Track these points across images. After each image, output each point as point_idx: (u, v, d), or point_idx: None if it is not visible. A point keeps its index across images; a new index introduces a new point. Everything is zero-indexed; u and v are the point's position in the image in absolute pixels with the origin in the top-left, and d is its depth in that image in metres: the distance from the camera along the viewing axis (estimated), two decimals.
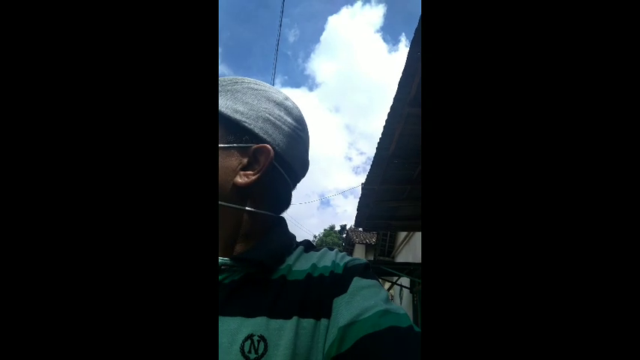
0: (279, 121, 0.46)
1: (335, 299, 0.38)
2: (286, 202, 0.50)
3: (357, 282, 0.40)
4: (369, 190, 3.80)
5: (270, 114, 0.45)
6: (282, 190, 0.48)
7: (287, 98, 0.49)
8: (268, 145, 0.43)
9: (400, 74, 2.31)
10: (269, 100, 0.46)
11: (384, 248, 9.87)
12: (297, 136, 0.48)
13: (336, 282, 0.40)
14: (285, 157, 0.46)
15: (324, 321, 0.37)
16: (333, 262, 0.43)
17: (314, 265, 0.43)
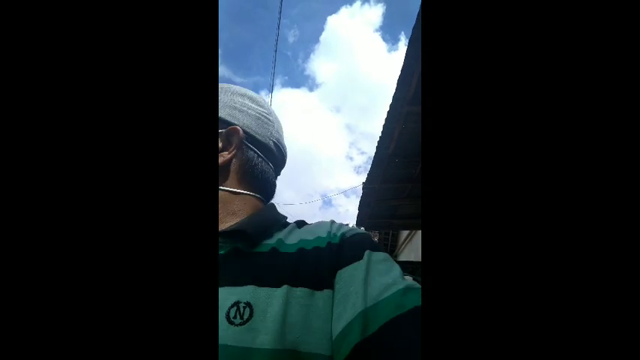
0: (244, 107, 0.51)
1: (339, 271, 0.37)
2: (268, 184, 0.52)
3: (370, 256, 0.38)
4: (369, 189, 3.79)
5: (234, 103, 0.50)
6: (261, 169, 0.50)
7: (249, 91, 0.54)
8: (237, 126, 0.48)
9: (399, 73, 2.30)
10: (233, 93, 0.52)
11: (387, 247, 9.87)
12: (264, 118, 0.52)
13: (336, 253, 0.39)
14: (257, 137, 0.50)
15: (326, 292, 0.35)
16: (329, 232, 0.43)
17: (306, 238, 0.42)
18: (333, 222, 0.46)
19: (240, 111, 0.50)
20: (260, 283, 0.36)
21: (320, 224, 0.46)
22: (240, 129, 0.48)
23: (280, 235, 0.44)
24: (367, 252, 0.38)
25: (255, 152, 0.50)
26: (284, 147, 0.56)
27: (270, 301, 0.34)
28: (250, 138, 0.49)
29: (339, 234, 0.42)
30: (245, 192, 0.48)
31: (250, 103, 0.52)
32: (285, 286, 0.35)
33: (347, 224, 0.46)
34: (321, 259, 0.38)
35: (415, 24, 1.95)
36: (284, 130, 0.59)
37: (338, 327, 0.33)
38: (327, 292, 0.35)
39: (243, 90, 0.53)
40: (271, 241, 0.42)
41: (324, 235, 0.42)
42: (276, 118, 0.55)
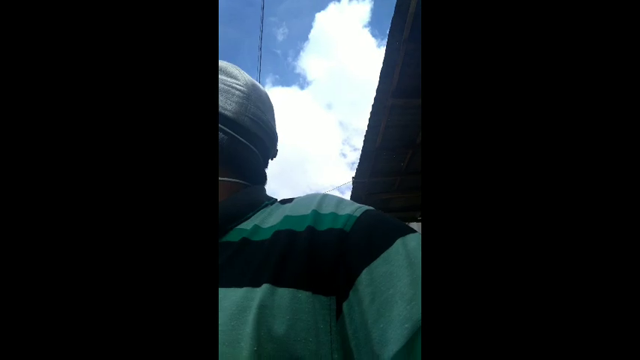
0: None
1: (365, 269, 0.28)
2: (249, 165, 0.44)
3: (405, 244, 0.29)
4: (359, 183, 3.80)
5: None
6: (235, 151, 0.42)
7: (219, 62, 0.46)
8: None
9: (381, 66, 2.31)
10: None
11: None
12: (234, 90, 0.43)
13: (341, 241, 0.30)
14: (226, 114, 0.42)
15: (322, 299, 0.28)
16: (316, 212, 0.34)
17: (287, 218, 0.35)
18: (326, 196, 0.37)
19: None
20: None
21: (308, 198, 0.37)
22: None
23: (259, 218, 0.37)
24: (400, 239, 0.29)
25: (224, 132, 0.41)
26: (267, 124, 0.47)
27: (223, 306, 0.29)
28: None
29: (342, 215, 0.33)
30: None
31: (218, 75, 0.43)
32: (245, 288, 0.29)
33: (344, 199, 0.37)
34: (305, 248, 0.30)
35: (394, 15, 1.96)
36: (274, 109, 0.50)
37: (386, 349, 0.24)
38: (324, 298, 0.28)
39: None
40: (246, 227, 0.36)
41: (308, 212, 0.34)
42: (254, 90, 0.46)
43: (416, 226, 6.03)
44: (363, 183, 3.77)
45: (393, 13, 1.95)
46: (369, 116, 2.80)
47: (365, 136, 3.03)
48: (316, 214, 0.34)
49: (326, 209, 0.34)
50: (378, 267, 0.28)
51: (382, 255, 0.28)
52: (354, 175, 3.68)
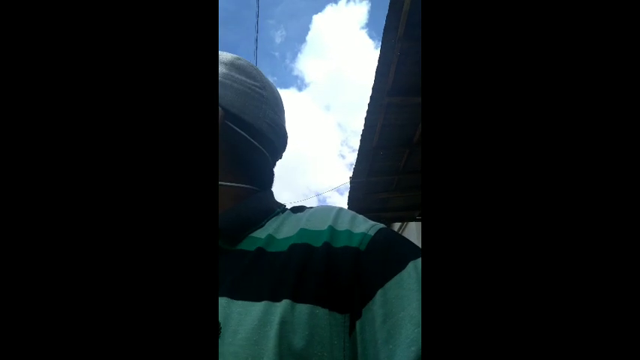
0: (228, 80, 0.41)
1: (380, 290, 0.29)
2: (260, 172, 0.43)
3: (417, 266, 0.30)
4: (357, 183, 3.79)
5: (218, 75, 0.41)
6: (249, 157, 0.42)
7: (238, 58, 0.44)
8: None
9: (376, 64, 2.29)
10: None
11: None
12: (254, 93, 0.42)
13: (357, 260, 0.31)
14: (244, 117, 0.41)
15: (337, 316, 0.29)
16: (332, 228, 0.34)
17: (303, 231, 0.35)
18: (340, 210, 0.37)
19: (224, 86, 0.40)
20: (236, 294, 0.31)
21: (324, 212, 0.37)
22: (220, 108, 0.38)
23: (272, 226, 0.37)
24: (412, 263, 0.30)
25: (241, 136, 0.40)
26: (281, 127, 0.46)
27: (244, 320, 0.29)
28: (236, 120, 0.40)
29: (357, 233, 0.33)
30: (225, 184, 0.39)
31: (238, 75, 0.41)
32: (264, 302, 0.29)
33: (358, 215, 0.37)
34: (323, 265, 0.31)
35: (388, 13, 1.94)
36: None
37: None
38: (338, 316, 0.29)
39: (230, 57, 0.43)
40: (260, 236, 0.36)
41: (325, 228, 0.34)
42: (272, 92, 0.45)
43: (415, 225, 6.03)
44: (361, 183, 3.76)
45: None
46: (365, 115, 2.79)
47: (362, 135, 3.01)
48: (332, 231, 0.34)
49: (341, 226, 0.35)
50: (392, 289, 0.29)
51: (395, 277, 0.30)
52: (351, 175, 3.66)
